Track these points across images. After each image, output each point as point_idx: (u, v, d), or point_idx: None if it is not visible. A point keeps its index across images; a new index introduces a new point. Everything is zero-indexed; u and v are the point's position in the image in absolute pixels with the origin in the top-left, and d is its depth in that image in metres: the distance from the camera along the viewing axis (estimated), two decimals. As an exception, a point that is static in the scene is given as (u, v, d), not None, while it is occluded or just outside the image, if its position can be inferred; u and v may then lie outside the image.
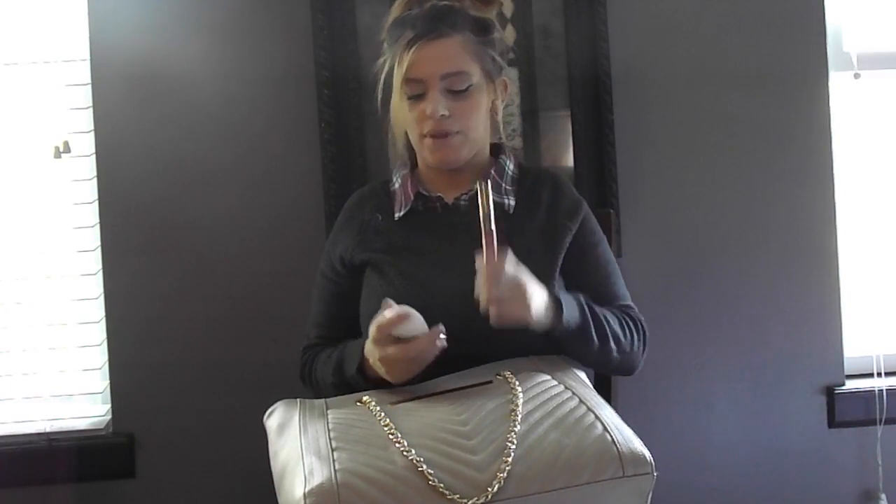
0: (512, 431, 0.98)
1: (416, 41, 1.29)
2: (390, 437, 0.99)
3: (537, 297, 1.17)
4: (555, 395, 1.07)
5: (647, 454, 0.97)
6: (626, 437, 0.98)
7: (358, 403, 1.12)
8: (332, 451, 0.98)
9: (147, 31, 1.73)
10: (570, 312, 1.22)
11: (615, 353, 1.28)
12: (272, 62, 1.74)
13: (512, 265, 1.15)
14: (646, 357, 1.37)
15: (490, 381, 1.12)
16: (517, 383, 1.09)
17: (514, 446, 0.96)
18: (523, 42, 1.75)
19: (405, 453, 0.95)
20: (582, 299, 1.27)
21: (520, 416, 1.01)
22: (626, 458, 0.95)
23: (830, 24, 1.82)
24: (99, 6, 1.72)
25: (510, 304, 1.13)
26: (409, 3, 1.36)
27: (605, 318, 1.28)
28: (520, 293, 1.14)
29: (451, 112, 1.30)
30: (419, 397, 1.12)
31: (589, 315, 1.25)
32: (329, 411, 1.10)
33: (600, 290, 1.36)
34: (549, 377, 1.13)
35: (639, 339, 1.34)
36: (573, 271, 1.35)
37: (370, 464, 0.95)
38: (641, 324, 1.36)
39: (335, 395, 1.23)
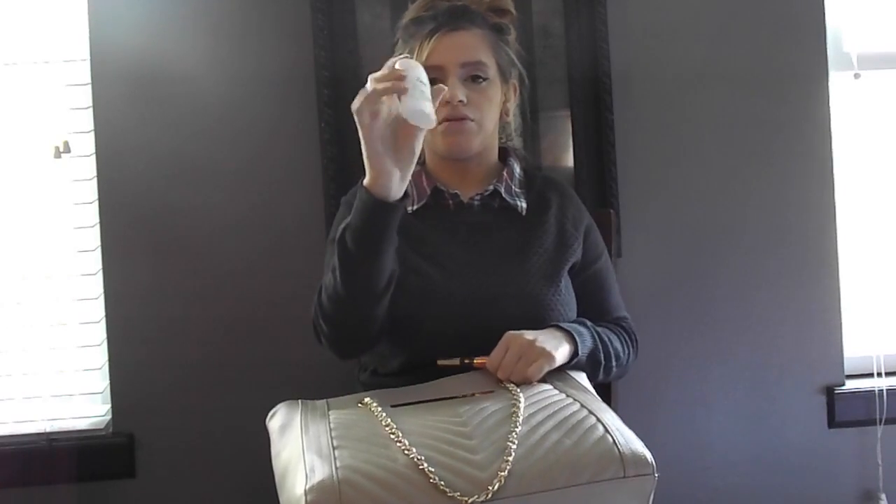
0: (513, 432, 0.98)
1: (437, 31, 1.32)
2: (391, 436, 0.99)
3: (551, 342, 1.19)
4: (556, 401, 1.08)
5: (649, 455, 0.97)
6: (628, 439, 0.98)
7: (360, 405, 1.12)
8: (334, 449, 0.98)
9: (147, 31, 1.73)
10: (583, 342, 1.24)
11: (615, 369, 1.33)
12: (272, 62, 1.74)
13: (513, 343, 1.17)
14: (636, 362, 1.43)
15: (492, 391, 1.12)
16: (519, 391, 1.10)
17: (514, 446, 0.96)
18: (523, 42, 1.74)
19: (406, 452, 0.95)
20: (589, 326, 1.30)
21: (521, 417, 1.01)
22: (628, 458, 0.95)
23: (830, 24, 1.82)
24: (99, 6, 1.72)
25: (530, 364, 1.15)
26: (425, 8, 1.38)
27: (609, 339, 1.32)
28: (533, 351, 1.16)
29: (469, 100, 1.32)
30: (421, 402, 1.12)
31: (599, 341, 1.29)
32: (331, 412, 1.10)
33: (598, 302, 1.40)
34: (549, 386, 1.13)
35: (633, 350, 1.41)
36: (574, 282, 1.38)
37: (371, 461, 0.95)
38: (634, 335, 1.42)
39: (340, 282, 1.18)
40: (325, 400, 1.17)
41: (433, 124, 1.14)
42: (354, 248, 1.17)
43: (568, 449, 0.96)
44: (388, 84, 1.10)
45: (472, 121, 1.32)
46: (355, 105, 1.11)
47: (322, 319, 1.25)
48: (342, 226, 1.19)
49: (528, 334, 1.17)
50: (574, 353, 1.22)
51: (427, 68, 1.28)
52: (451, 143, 1.33)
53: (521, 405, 1.04)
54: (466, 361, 1.19)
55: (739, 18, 1.79)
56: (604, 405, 1.08)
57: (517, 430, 0.99)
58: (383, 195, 1.15)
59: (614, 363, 1.32)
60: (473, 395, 1.12)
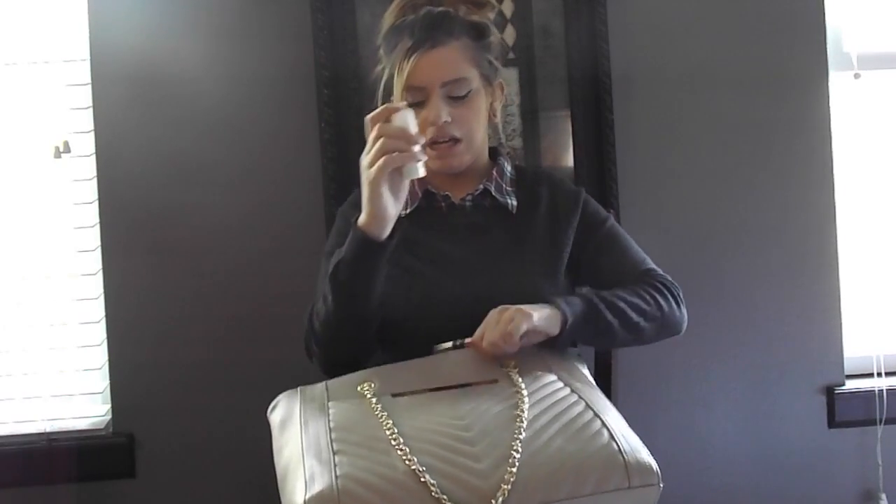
0: (517, 439, 0.96)
1: (415, 50, 1.30)
2: (392, 440, 0.97)
3: (528, 307, 1.17)
4: (560, 398, 1.06)
5: (654, 464, 0.95)
6: (633, 447, 0.96)
7: (359, 389, 1.10)
8: (334, 454, 0.97)
9: (147, 32, 1.73)
10: (570, 305, 1.20)
11: (644, 324, 1.26)
12: (272, 62, 1.74)
13: (492, 313, 1.16)
14: (687, 313, 1.36)
15: (496, 381, 1.10)
16: (523, 385, 1.08)
17: (518, 455, 0.94)
18: (523, 42, 1.75)
19: (406, 460, 0.94)
20: (586, 292, 1.26)
21: (525, 421, 0.99)
22: (632, 467, 0.93)
23: (830, 24, 1.82)
24: (99, 6, 1.72)
25: (508, 323, 1.14)
26: (403, 10, 1.37)
27: (622, 296, 1.27)
28: (508, 312, 1.15)
29: (453, 118, 1.31)
30: (422, 391, 1.09)
31: (595, 299, 1.24)
32: (330, 403, 1.09)
33: (618, 264, 1.36)
34: (554, 377, 1.12)
35: (666, 299, 1.31)
36: (587, 256, 1.36)
37: (372, 470, 0.93)
38: (665, 283, 1.34)
39: (331, 311, 1.21)
40: (324, 384, 1.15)
41: (422, 175, 1.19)
42: (347, 282, 1.20)
43: (572, 455, 0.94)
44: (404, 152, 1.15)
45: (460, 139, 1.32)
46: (368, 161, 1.15)
47: (314, 342, 1.27)
48: (334, 260, 1.21)
49: (519, 308, 1.16)
50: (563, 319, 1.18)
51: (409, 88, 1.30)
52: (442, 164, 1.34)
53: (525, 405, 1.02)
54: (458, 343, 1.18)
55: (739, 18, 1.79)
56: (608, 403, 1.06)
57: (521, 436, 0.97)
58: (377, 235, 1.17)
59: (637, 318, 1.25)
60: (477, 384, 1.10)
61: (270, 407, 1.15)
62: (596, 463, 0.94)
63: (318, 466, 0.95)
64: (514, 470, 0.92)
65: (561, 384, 1.10)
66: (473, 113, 1.34)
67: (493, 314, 1.16)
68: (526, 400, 1.04)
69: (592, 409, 1.02)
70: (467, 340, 1.18)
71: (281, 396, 1.16)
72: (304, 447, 0.99)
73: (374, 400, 1.08)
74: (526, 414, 1.01)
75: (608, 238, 1.39)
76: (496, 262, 1.31)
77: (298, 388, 1.16)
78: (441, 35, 1.31)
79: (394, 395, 1.09)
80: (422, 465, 0.93)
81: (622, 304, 1.25)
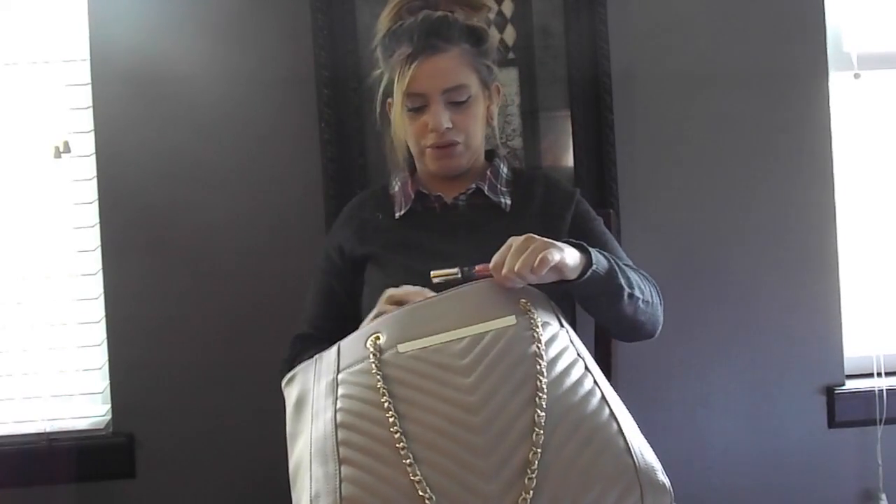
0: (534, 450, 0.91)
1: (415, 57, 1.30)
2: (398, 445, 0.93)
3: (559, 244, 1.12)
4: (577, 380, 0.99)
5: (667, 483, 0.92)
6: (648, 462, 0.92)
7: (367, 346, 1.04)
8: (339, 463, 0.93)
9: (147, 31, 1.73)
10: (596, 256, 1.18)
11: (641, 303, 1.25)
12: (272, 62, 1.74)
13: (515, 241, 1.10)
14: (664, 314, 1.34)
15: (513, 323, 1.04)
16: (543, 344, 1.00)
17: (533, 475, 0.90)
18: (523, 42, 1.75)
19: (413, 477, 0.90)
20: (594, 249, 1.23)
21: (541, 424, 0.94)
22: (646, 487, 0.90)
23: (830, 24, 1.82)
24: (99, 6, 1.72)
25: (538, 254, 1.07)
26: (400, 13, 1.37)
27: (628, 271, 1.26)
28: (537, 241, 1.09)
29: (453, 123, 1.33)
30: (431, 346, 1.03)
31: (616, 265, 1.22)
32: (340, 377, 1.03)
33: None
34: (565, 335, 1.06)
35: (655, 291, 1.32)
36: None
37: (377, 491, 0.90)
38: (653, 282, 1.34)
39: None
40: (337, 348, 1.09)
41: None
42: None
43: (587, 472, 0.91)
44: None
45: (459, 143, 1.35)
46: None
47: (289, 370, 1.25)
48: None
49: (550, 241, 1.10)
50: (585, 268, 1.14)
51: (409, 94, 1.32)
52: (441, 166, 1.36)
53: (544, 397, 0.96)
54: (465, 269, 1.13)
55: (740, 18, 1.79)
56: (620, 402, 1.01)
57: (538, 450, 0.91)
58: None
59: (640, 294, 1.24)
60: (491, 328, 1.03)
61: (287, 378, 1.11)
62: (611, 487, 0.90)
63: (324, 482, 0.92)
64: (529, 496, 0.88)
65: (575, 354, 1.03)
66: (472, 117, 1.35)
67: (516, 241, 1.09)
68: (544, 376, 0.98)
69: (608, 405, 0.97)
70: (478, 268, 1.13)
71: (298, 369, 1.11)
72: (312, 450, 0.96)
73: (378, 376, 1.00)
74: (543, 415, 0.95)
75: (594, 234, 1.39)
76: (490, 256, 1.31)
77: (315, 358, 1.11)
78: (440, 41, 1.31)
79: (400, 352, 1.02)
80: (431, 491, 0.89)
81: (632, 279, 1.25)
